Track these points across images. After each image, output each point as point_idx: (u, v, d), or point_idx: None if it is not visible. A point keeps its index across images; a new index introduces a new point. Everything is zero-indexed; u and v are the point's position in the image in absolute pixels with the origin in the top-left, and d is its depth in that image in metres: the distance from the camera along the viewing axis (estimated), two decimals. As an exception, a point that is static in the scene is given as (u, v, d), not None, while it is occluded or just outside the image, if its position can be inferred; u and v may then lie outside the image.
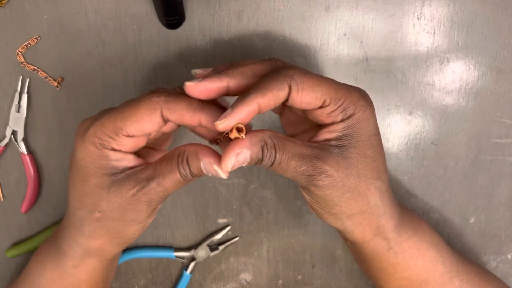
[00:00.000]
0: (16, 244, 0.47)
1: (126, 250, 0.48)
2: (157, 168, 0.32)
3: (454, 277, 0.39)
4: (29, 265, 0.39)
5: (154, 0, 0.38)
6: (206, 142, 0.34)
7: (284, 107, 0.38)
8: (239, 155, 0.29)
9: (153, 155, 0.38)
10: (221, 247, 0.48)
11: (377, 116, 0.45)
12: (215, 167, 0.31)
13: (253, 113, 0.29)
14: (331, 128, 0.32)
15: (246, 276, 0.50)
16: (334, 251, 0.49)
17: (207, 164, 0.31)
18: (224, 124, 0.29)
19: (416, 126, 0.45)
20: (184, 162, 0.31)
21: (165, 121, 0.31)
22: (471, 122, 0.45)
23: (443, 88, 0.44)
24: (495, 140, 0.46)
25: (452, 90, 0.45)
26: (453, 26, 0.43)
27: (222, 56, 0.43)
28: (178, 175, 0.31)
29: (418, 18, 0.43)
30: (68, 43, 0.42)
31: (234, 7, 0.42)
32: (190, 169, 0.31)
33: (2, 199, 0.46)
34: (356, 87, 0.33)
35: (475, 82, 0.44)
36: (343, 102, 0.31)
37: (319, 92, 0.30)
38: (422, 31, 0.43)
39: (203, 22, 0.42)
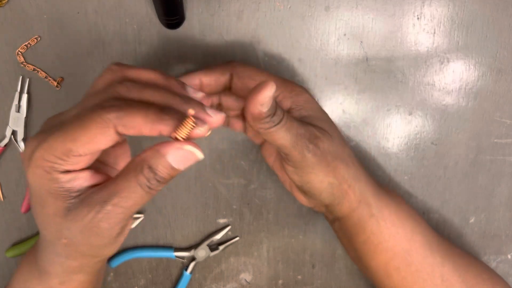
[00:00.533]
0: (16, 244, 0.47)
1: (126, 250, 0.48)
2: (112, 187, 0.28)
3: (435, 252, 0.40)
4: (12, 286, 0.36)
5: (154, 0, 0.38)
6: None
7: (265, 141, 0.40)
8: (271, 89, 0.30)
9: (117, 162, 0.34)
10: (221, 247, 0.48)
11: (377, 116, 0.46)
12: (189, 147, 0.27)
13: (196, 86, 0.34)
14: (292, 113, 0.36)
15: (246, 276, 0.50)
16: (334, 251, 0.49)
17: (174, 152, 0.27)
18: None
19: (416, 126, 0.46)
20: (146, 169, 0.27)
21: (121, 135, 0.28)
22: (471, 122, 0.45)
23: (443, 88, 0.45)
24: (495, 140, 0.46)
25: (452, 90, 0.45)
26: (453, 26, 0.43)
27: (222, 56, 0.43)
28: (139, 189, 0.27)
29: (418, 18, 0.43)
30: (68, 43, 0.42)
31: (234, 7, 0.42)
32: (156, 174, 0.27)
33: (2, 199, 0.46)
34: (290, 81, 0.38)
35: (475, 82, 0.44)
36: (282, 91, 0.36)
37: (258, 80, 0.34)
38: (422, 31, 0.43)
39: (203, 22, 0.42)
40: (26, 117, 0.43)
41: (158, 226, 0.48)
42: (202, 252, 0.48)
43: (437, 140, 0.46)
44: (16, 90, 0.43)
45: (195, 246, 0.48)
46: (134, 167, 0.28)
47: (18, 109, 0.43)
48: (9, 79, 0.43)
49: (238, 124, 0.40)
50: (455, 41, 0.43)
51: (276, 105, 0.32)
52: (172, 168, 0.28)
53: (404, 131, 0.46)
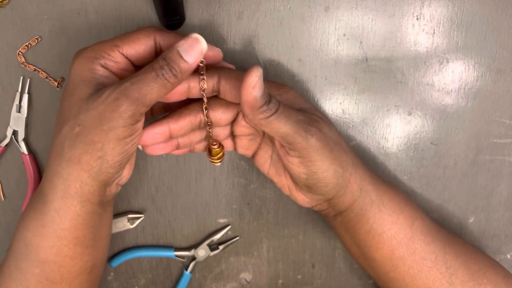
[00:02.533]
0: (16, 243, 0.47)
1: (127, 249, 0.48)
2: (134, 76, 0.31)
3: (436, 238, 0.40)
4: (18, 222, 0.37)
5: (155, 0, 0.38)
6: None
7: (258, 150, 0.41)
8: (258, 70, 0.31)
9: None
10: (221, 247, 0.48)
11: (376, 116, 0.46)
12: (195, 34, 0.32)
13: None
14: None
15: (246, 276, 0.50)
16: (334, 251, 0.49)
17: (182, 43, 0.32)
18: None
19: (416, 126, 0.46)
20: (161, 59, 0.31)
21: (156, 48, 0.35)
22: (470, 122, 0.45)
23: (443, 88, 0.45)
24: (495, 140, 0.46)
25: (451, 90, 0.45)
26: (453, 26, 0.43)
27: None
28: (153, 75, 0.31)
29: (417, 19, 0.43)
30: (68, 43, 0.42)
31: (234, 7, 0.42)
32: (168, 63, 0.31)
33: (3, 199, 0.46)
34: (276, 81, 0.40)
35: (475, 82, 0.45)
36: (270, 89, 0.37)
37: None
38: (422, 31, 0.43)
39: (203, 22, 0.42)
40: (27, 117, 0.44)
41: (158, 226, 0.48)
42: (202, 252, 0.48)
43: (437, 140, 0.46)
44: (17, 90, 0.43)
45: (195, 245, 0.48)
46: (153, 62, 0.32)
47: (19, 109, 0.43)
48: (9, 79, 0.43)
49: (228, 143, 0.41)
50: (455, 41, 0.44)
51: (270, 94, 0.33)
52: (181, 58, 0.31)
53: (403, 131, 0.46)
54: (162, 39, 0.35)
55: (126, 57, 0.35)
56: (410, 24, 0.43)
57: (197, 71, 0.35)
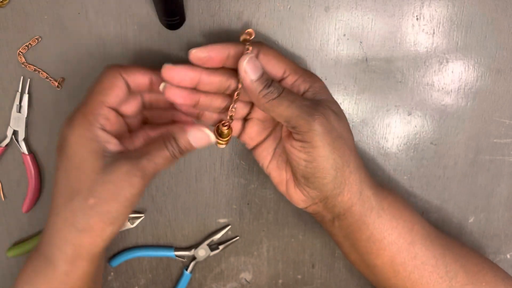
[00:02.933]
0: (17, 243, 0.47)
1: (127, 249, 0.48)
2: (144, 149, 0.35)
3: (435, 242, 0.40)
4: (18, 284, 0.37)
5: (155, 1, 0.38)
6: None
7: (262, 142, 0.41)
8: (245, 57, 0.34)
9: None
10: (221, 247, 0.48)
11: (376, 116, 0.46)
12: (205, 130, 0.36)
13: (223, 59, 0.36)
14: (307, 94, 0.37)
15: (246, 276, 0.50)
16: (333, 250, 0.49)
17: (194, 132, 0.36)
18: (197, 52, 0.35)
19: (416, 126, 0.46)
20: (171, 139, 0.35)
21: (128, 86, 0.35)
22: (470, 122, 0.45)
23: (442, 89, 0.45)
24: (494, 140, 0.46)
25: (451, 90, 0.45)
26: (452, 26, 0.43)
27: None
28: (166, 152, 0.35)
29: (417, 19, 0.43)
30: (69, 43, 0.42)
31: (234, 7, 0.42)
32: (178, 145, 0.35)
33: (3, 199, 0.46)
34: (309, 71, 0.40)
35: (474, 82, 0.45)
36: (301, 75, 0.37)
37: (281, 61, 0.37)
38: (422, 31, 0.43)
39: (203, 22, 0.42)
40: (27, 117, 0.44)
41: (159, 225, 0.48)
42: (202, 252, 0.48)
43: (437, 140, 0.46)
44: (17, 91, 0.43)
45: (195, 245, 0.48)
46: (163, 136, 0.35)
47: (19, 109, 0.43)
48: (10, 80, 0.43)
49: (238, 126, 0.41)
50: (454, 41, 0.44)
51: (272, 80, 0.35)
52: (189, 143, 0.36)
53: (403, 131, 0.46)
54: (130, 77, 0.35)
55: (111, 108, 0.35)
56: (410, 24, 0.43)
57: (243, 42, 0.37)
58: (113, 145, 0.34)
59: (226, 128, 0.39)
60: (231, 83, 0.37)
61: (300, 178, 0.38)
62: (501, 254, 0.49)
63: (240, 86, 0.37)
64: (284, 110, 0.35)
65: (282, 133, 0.39)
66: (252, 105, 0.40)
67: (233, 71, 0.37)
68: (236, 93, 0.37)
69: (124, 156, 0.34)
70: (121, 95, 0.35)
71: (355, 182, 0.37)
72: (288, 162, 0.39)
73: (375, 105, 0.45)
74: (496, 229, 0.48)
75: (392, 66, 0.44)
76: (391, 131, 0.46)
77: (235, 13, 0.42)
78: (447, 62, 0.44)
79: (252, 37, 0.37)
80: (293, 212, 0.48)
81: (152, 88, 0.37)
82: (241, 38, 0.37)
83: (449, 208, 0.48)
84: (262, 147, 0.41)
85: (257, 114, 0.40)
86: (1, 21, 0.41)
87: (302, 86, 0.37)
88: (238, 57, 0.36)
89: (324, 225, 0.42)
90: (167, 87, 0.36)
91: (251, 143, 0.42)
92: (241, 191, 0.47)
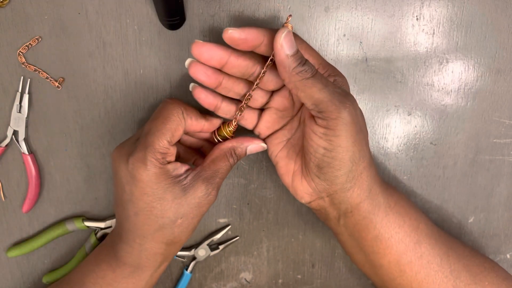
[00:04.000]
0: (17, 244, 0.47)
1: (127, 249, 0.48)
2: (213, 167, 0.39)
3: (439, 241, 0.40)
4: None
5: (155, 1, 0.38)
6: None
7: (277, 131, 0.41)
8: (283, 30, 0.34)
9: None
10: (221, 247, 0.48)
11: (376, 116, 0.46)
12: (263, 144, 0.41)
13: (258, 42, 0.35)
14: None
15: (246, 276, 0.50)
16: (334, 250, 0.49)
17: (253, 147, 0.40)
18: (233, 32, 0.35)
19: (415, 126, 0.46)
20: (233, 154, 0.39)
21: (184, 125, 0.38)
22: (470, 122, 0.46)
23: (442, 89, 0.45)
24: (494, 140, 0.46)
25: (451, 90, 0.45)
26: (452, 26, 0.43)
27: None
28: (228, 165, 0.39)
29: (417, 19, 0.43)
30: (69, 43, 0.42)
31: (234, 7, 0.42)
32: (237, 156, 0.40)
33: (3, 199, 0.46)
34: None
35: (474, 83, 0.45)
36: (328, 69, 0.38)
37: (314, 53, 0.37)
38: (421, 31, 0.43)
39: (204, 22, 0.42)
40: (27, 117, 0.44)
41: (159, 225, 0.48)
42: (202, 252, 0.48)
43: (436, 140, 0.46)
44: (17, 91, 0.43)
45: (196, 245, 0.48)
46: (225, 152, 0.39)
47: (19, 109, 0.43)
48: (10, 80, 0.43)
49: (254, 117, 0.41)
50: (454, 41, 0.44)
51: (306, 59, 0.35)
52: (245, 153, 0.40)
53: (403, 131, 0.46)
54: (188, 122, 0.38)
55: (175, 141, 0.38)
56: (410, 24, 0.43)
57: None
58: (179, 168, 0.37)
59: (231, 131, 0.40)
60: (256, 69, 0.37)
61: (313, 167, 0.37)
62: (501, 254, 0.49)
63: (264, 70, 0.37)
64: (316, 92, 0.34)
65: (305, 116, 0.38)
66: (271, 94, 0.40)
67: (261, 58, 0.37)
68: (258, 78, 0.37)
69: (199, 177, 0.38)
70: (181, 134, 0.38)
71: (367, 178, 0.37)
72: (302, 149, 0.38)
73: (375, 105, 0.45)
74: (496, 229, 0.48)
75: (392, 66, 0.44)
76: (391, 131, 0.46)
77: (235, 13, 0.42)
78: (447, 62, 0.44)
79: (289, 21, 0.36)
80: (293, 212, 0.48)
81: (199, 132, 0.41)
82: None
83: (449, 208, 0.48)
84: (275, 135, 0.41)
85: (276, 103, 0.40)
86: (1, 21, 0.42)
87: (330, 79, 0.37)
88: (270, 45, 0.35)
89: (328, 223, 0.41)
90: (193, 63, 0.37)
91: (266, 132, 0.41)
92: (241, 191, 0.47)
